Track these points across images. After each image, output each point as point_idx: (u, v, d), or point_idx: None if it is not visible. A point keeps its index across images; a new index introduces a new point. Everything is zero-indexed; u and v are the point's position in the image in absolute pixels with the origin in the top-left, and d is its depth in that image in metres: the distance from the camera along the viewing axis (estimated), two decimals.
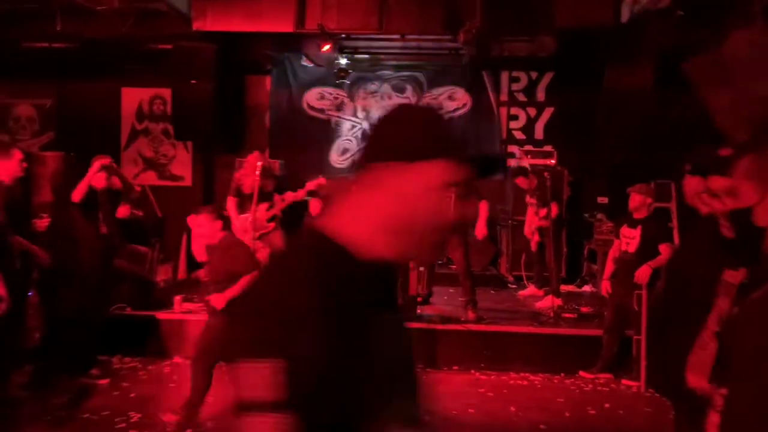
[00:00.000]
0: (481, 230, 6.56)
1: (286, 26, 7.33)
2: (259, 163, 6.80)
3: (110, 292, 5.88)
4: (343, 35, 8.13)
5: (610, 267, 5.87)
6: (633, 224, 5.61)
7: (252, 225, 7.08)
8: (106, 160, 5.50)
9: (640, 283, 5.34)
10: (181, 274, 8.78)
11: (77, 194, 5.32)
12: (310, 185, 7.26)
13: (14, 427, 4.32)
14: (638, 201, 5.59)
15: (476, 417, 4.79)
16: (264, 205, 7.19)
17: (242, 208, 7.25)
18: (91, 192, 5.50)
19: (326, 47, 7.75)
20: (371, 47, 9.50)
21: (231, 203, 7.28)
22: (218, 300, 4.21)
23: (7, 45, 9.06)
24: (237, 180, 7.27)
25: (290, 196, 7.27)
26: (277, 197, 7.36)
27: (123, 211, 5.98)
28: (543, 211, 7.28)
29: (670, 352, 2.62)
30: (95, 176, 5.44)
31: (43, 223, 5.24)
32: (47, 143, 10.03)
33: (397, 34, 8.13)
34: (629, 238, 5.58)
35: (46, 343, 5.31)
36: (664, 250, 5.34)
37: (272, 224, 7.32)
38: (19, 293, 4.76)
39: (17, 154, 4.80)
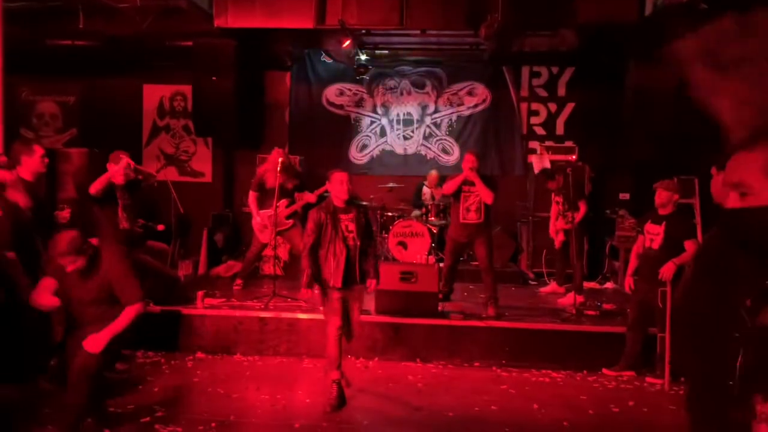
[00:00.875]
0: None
1: (306, 22, 7.34)
2: (281, 159, 6.83)
3: None
4: (364, 31, 8.13)
5: (633, 263, 5.81)
6: (658, 220, 5.55)
7: (272, 221, 7.13)
8: (125, 158, 5.54)
9: (664, 279, 5.29)
10: (202, 269, 8.84)
11: (94, 187, 5.38)
12: (311, 198, 7.27)
13: (40, 419, 4.37)
14: (665, 197, 5.52)
15: (498, 414, 4.77)
16: (284, 202, 7.24)
17: (262, 203, 7.30)
18: (110, 187, 5.56)
19: (347, 43, 7.74)
20: (391, 42, 9.48)
21: (252, 198, 7.33)
22: None
23: (31, 43, 9.16)
24: (260, 175, 7.31)
25: (308, 196, 7.29)
26: (297, 195, 7.39)
27: (160, 227, 6.04)
28: (570, 215, 7.22)
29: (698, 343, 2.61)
30: (115, 173, 5.49)
31: (64, 214, 5.28)
32: (70, 140, 10.16)
33: (417, 30, 8.11)
34: (654, 234, 5.52)
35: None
36: (689, 246, 5.28)
37: (291, 221, 7.36)
38: None
39: (38, 151, 4.88)
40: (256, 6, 7.46)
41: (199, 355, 6.08)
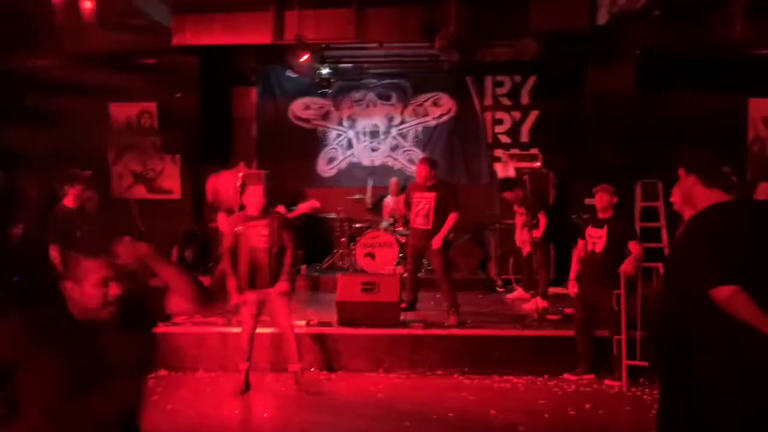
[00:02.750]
0: (437, 241, 6.57)
1: (264, 38, 7.40)
2: (240, 174, 6.85)
3: None
4: (323, 45, 8.20)
5: (575, 267, 5.91)
6: (599, 224, 5.66)
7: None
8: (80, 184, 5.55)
9: (628, 274, 5.36)
10: None
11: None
12: (303, 207, 7.05)
13: None
14: (606, 200, 5.64)
15: (454, 420, 4.80)
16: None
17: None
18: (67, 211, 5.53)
19: (304, 57, 7.81)
20: (354, 56, 9.57)
21: (222, 219, 7.28)
22: None
23: None
24: (220, 198, 7.27)
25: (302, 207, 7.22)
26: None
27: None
28: (535, 232, 7.29)
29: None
30: (68, 196, 5.48)
31: (16, 231, 5.28)
32: None
33: (374, 43, 8.20)
34: (596, 238, 5.62)
35: None
36: (634, 247, 5.41)
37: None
38: None
39: None
40: (214, 23, 7.51)
41: (162, 372, 6.05)
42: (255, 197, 5.38)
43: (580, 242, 5.86)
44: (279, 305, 5.34)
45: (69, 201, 5.48)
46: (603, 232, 5.57)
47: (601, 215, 5.68)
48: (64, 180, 5.51)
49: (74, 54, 8.76)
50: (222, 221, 7.27)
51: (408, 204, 6.94)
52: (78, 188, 5.51)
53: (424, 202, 6.66)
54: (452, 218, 6.58)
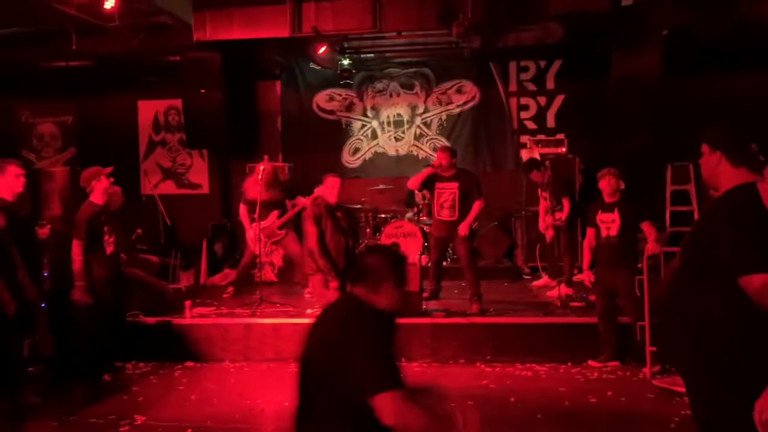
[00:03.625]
0: (464, 228, 6.53)
1: (282, 31, 7.45)
2: (262, 168, 6.92)
3: (122, 300, 5.99)
4: (340, 36, 8.22)
5: (588, 257, 5.83)
6: (609, 208, 5.59)
7: (264, 233, 7.19)
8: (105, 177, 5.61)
9: (655, 253, 5.29)
10: (203, 279, 8.98)
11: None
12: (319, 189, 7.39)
13: (20, 431, 4.50)
14: (614, 184, 5.58)
15: (473, 409, 4.79)
16: (275, 213, 7.30)
17: (253, 215, 7.35)
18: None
19: (322, 49, 7.83)
20: (376, 46, 9.57)
21: (243, 211, 7.40)
22: None
23: (28, 66, 9.41)
24: (245, 188, 7.39)
25: (301, 202, 7.35)
26: (288, 203, 7.45)
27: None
28: (558, 215, 7.21)
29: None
30: (95, 193, 5.54)
31: (44, 231, 5.42)
32: (70, 158, 10.39)
33: (392, 32, 8.18)
34: (609, 223, 5.55)
35: (59, 351, 5.52)
36: (648, 227, 5.33)
37: (284, 231, 7.41)
38: (29, 304, 4.96)
39: (12, 170, 4.91)
40: (233, 18, 7.59)
41: (188, 364, 6.18)
42: (333, 191, 5.58)
43: (590, 231, 5.78)
44: None
45: (97, 197, 5.59)
46: (615, 216, 5.51)
47: (608, 199, 5.61)
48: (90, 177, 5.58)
49: (99, 53, 9.01)
50: (243, 214, 7.37)
51: (432, 195, 6.85)
52: (105, 183, 5.59)
53: (448, 193, 6.58)
54: (477, 206, 6.53)
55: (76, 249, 5.30)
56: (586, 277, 5.83)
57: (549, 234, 7.58)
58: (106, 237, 5.58)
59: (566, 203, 7.33)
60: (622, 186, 5.62)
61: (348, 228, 5.71)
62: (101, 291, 5.48)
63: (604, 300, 5.65)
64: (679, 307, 2.65)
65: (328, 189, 5.74)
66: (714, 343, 2.53)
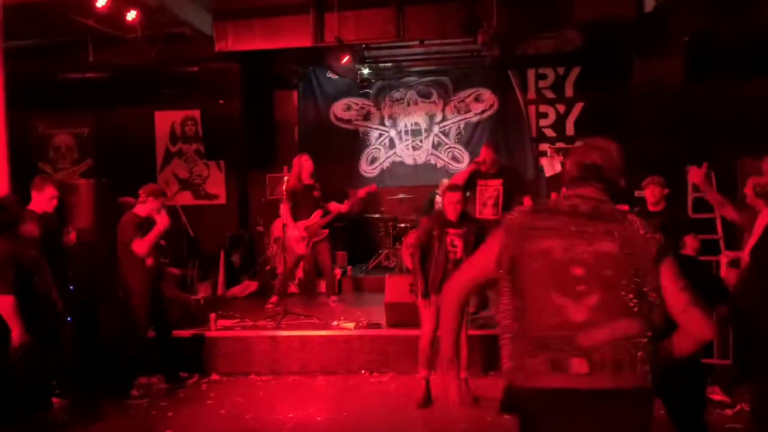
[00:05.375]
0: None
1: (304, 41, 7.42)
2: (307, 164, 6.97)
3: (162, 315, 5.95)
4: (363, 45, 8.18)
5: None
6: (652, 217, 5.47)
7: (310, 231, 7.17)
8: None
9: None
10: (221, 290, 8.92)
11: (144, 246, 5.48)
12: (361, 193, 7.55)
13: None
14: (657, 193, 5.48)
15: (511, 422, 4.69)
16: (318, 212, 7.27)
17: (295, 216, 7.29)
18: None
19: (345, 59, 7.80)
20: (394, 55, 9.53)
21: (285, 210, 7.30)
22: None
23: (44, 78, 9.40)
24: (290, 185, 7.22)
25: (338, 207, 7.33)
26: (329, 205, 7.40)
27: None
28: None
29: None
30: (144, 206, 5.58)
31: (71, 237, 5.39)
32: (86, 170, 10.35)
33: (415, 41, 8.14)
34: None
35: (86, 366, 5.45)
36: (690, 240, 5.19)
37: (326, 231, 7.37)
38: (57, 319, 4.92)
39: (49, 191, 5.02)
40: (255, 28, 7.56)
41: (214, 377, 6.12)
42: (454, 204, 5.04)
43: None
44: None
45: (142, 210, 5.61)
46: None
47: (652, 208, 5.51)
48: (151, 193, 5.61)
49: (116, 64, 8.99)
50: (286, 212, 7.31)
51: (473, 193, 6.45)
52: (158, 204, 5.61)
53: (492, 190, 6.34)
54: (528, 201, 6.40)
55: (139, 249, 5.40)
56: None
57: None
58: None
59: None
60: (666, 192, 5.50)
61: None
62: (140, 301, 5.50)
63: None
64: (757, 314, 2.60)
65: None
66: None
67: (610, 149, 2.30)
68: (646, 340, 2.06)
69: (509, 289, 2.21)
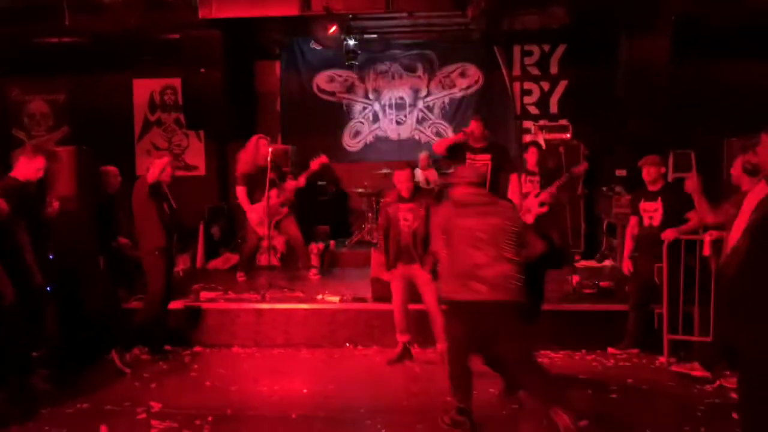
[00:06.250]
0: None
1: (291, 9, 7.26)
2: (270, 149, 6.83)
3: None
4: (350, 16, 8.04)
5: (630, 244, 5.75)
6: (652, 197, 5.51)
7: (267, 213, 7.05)
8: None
9: (669, 240, 5.25)
10: (200, 262, 8.83)
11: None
12: (314, 165, 7.36)
13: (35, 418, 4.37)
14: (654, 172, 5.49)
15: (495, 396, 4.74)
16: (274, 192, 7.15)
17: (252, 196, 7.21)
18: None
19: (333, 29, 7.67)
20: (380, 26, 9.40)
21: (241, 193, 7.21)
22: None
23: (18, 42, 9.10)
24: (245, 166, 7.18)
25: (291, 185, 7.26)
26: (285, 184, 7.30)
27: None
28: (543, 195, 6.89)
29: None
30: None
31: (52, 208, 5.27)
32: (62, 138, 10.10)
33: (405, 12, 8.02)
34: (651, 212, 5.48)
35: (66, 336, 5.37)
36: (693, 217, 5.23)
37: (285, 209, 7.29)
38: (33, 288, 4.82)
39: (39, 161, 4.95)
40: None
41: (197, 349, 6.07)
42: (404, 182, 5.42)
43: (633, 219, 5.71)
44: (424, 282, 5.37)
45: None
46: (657, 205, 5.44)
47: (651, 188, 5.53)
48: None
49: (94, 30, 8.72)
50: (242, 195, 7.23)
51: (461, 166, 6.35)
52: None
53: (481, 165, 6.22)
54: (514, 179, 6.42)
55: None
56: (626, 266, 5.77)
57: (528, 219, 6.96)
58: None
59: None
60: (663, 171, 5.53)
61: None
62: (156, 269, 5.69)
63: (640, 290, 5.60)
64: (752, 295, 2.62)
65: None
66: None
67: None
68: (518, 274, 3.85)
69: (446, 246, 4.00)
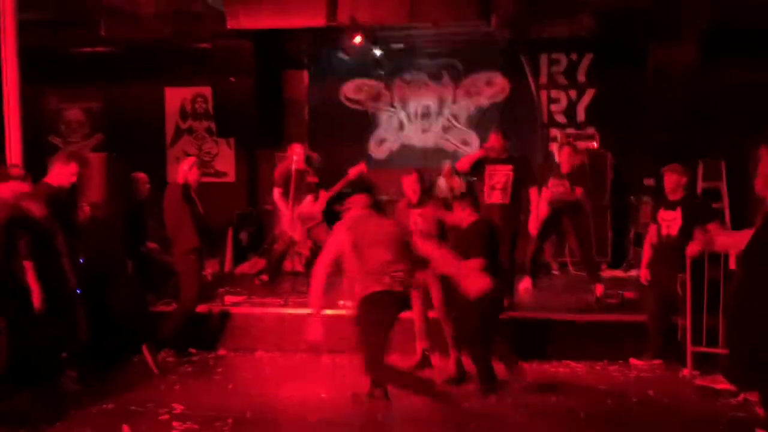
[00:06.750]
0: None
1: (317, 20, 7.38)
2: (299, 151, 6.93)
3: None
4: (374, 26, 8.14)
5: (648, 254, 5.70)
6: (671, 206, 5.45)
7: (302, 216, 7.15)
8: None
9: (693, 255, 5.18)
10: (228, 267, 8.97)
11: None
12: (352, 173, 7.27)
13: (64, 418, 4.51)
14: (674, 181, 5.43)
15: (513, 406, 4.74)
16: (310, 197, 7.25)
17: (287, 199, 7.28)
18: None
19: (358, 39, 7.77)
20: (406, 36, 9.47)
21: (277, 194, 7.28)
22: None
23: (56, 52, 9.42)
24: (284, 170, 7.24)
25: (324, 195, 7.29)
26: (322, 192, 7.37)
27: None
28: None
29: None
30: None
31: (83, 213, 5.45)
32: (96, 145, 10.38)
33: (428, 23, 8.10)
34: (670, 221, 5.42)
35: (94, 338, 5.51)
36: (714, 229, 5.16)
37: (320, 216, 7.35)
38: (67, 290, 4.99)
39: (73, 167, 5.10)
40: (267, 6, 7.53)
41: (221, 352, 6.18)
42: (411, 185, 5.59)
43: (652, 227, 5.66)
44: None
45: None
46: (677, 214, 5.37)
47: (671, 197, 5.48)
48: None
49: (128, 40, 8.98)
50: (278, 197, 7.29)
51: (480, 177, 6.40)
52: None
53: (501, 175, 6.21)
54: (534, 193, 6.39)
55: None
56: (643, 275, 5.72)
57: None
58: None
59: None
60: (684, 181, 5.46)
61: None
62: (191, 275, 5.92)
63: (659, 301, 5.55)
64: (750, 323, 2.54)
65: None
66: None
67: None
68: (409, 270, 4.53)
69: (354, 254, 4.47)
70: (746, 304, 2.57)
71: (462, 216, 5.11)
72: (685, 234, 5.28)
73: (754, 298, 2.54)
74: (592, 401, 4.83)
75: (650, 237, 5.70)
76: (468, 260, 4.71)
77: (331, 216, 7.80)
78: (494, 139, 6.32)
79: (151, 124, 10.24)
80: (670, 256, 5.38)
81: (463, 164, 6.56)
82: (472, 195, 6.39)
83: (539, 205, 6.64)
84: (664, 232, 5.48)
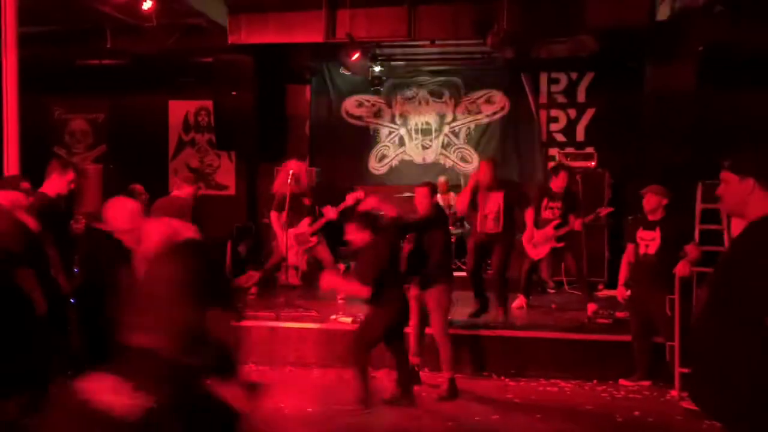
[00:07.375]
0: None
1: (316, 36, 7.48)
2: (291, 171, 6.92)
3: None
4: (374, 43, 8.24)
5: (624, 272, 5.73)
6: (650, 226, 5.49)
7: (296, 240, 7.15)
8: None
9: (683, 275, 5.18)
10: None
11: None
12: (349, 199, 7.06)
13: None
14: (655, 202, 5.46)
15: (497, 423, 4.75)
16: (307, 219, 7.23)
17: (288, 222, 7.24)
18: None
19: (355, 56, 7.86)
20: (407, 53, 9.57)
21: (274, 218, 7.31)
22: None
23: (62, 63, 9.56)
24: (278, 194, 7.26)
25: (329, 213, 7.18)
26: (323, 209, 7.35)
27: None
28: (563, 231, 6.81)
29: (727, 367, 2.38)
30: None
31: (79, 225, 5.50)
32: (100, 155, 10.51)
33: (426, 40, 8.18)
34: (648, 240, 5.45)
35: (86, 347, 5.55)
36: (692, 250, 5.19)
37: (315, 238, 7.33)
38: (59, 301, 5.03)
39: (71, 175, 5.14)
40: (268, 22, 7.64)
41: None
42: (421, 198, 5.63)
43: (630, 246, 5.69)
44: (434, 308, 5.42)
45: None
46: (656, 234, 5.41)
47: (650, 217, 5.51)
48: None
49: (133, 52, 9.12)
50: (274, 220, 7.29)
51: (474, 206, 6.60)
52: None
53: (492, 205, 6.43)
54: (530, 214, 6.54)
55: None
56: (620, 293, 5.74)
57: (543, 250, 7.00)
58: None
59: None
60: (665, 202, 5.48)
61: None
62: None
63: (639, 319, 5.57)
64: (711, 354, 2.49)
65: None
66: (754, 395, 2.35)
67: None
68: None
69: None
70: (706, 327, 2.54)
71: (358, 237, 5.03)
72: (663, 253, 5.32)
73: (713, 320, 2.52)
74: (577, 421, 4.83)
75: (627, 255, 5.72)
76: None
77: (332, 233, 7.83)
78: (483, 171, 6.48)
79: (154, 136, 10.37)
80: (646, 275, 5.42)
81: (463, 206, 6.72)
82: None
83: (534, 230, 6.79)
84: (641, 251, 5.51)
